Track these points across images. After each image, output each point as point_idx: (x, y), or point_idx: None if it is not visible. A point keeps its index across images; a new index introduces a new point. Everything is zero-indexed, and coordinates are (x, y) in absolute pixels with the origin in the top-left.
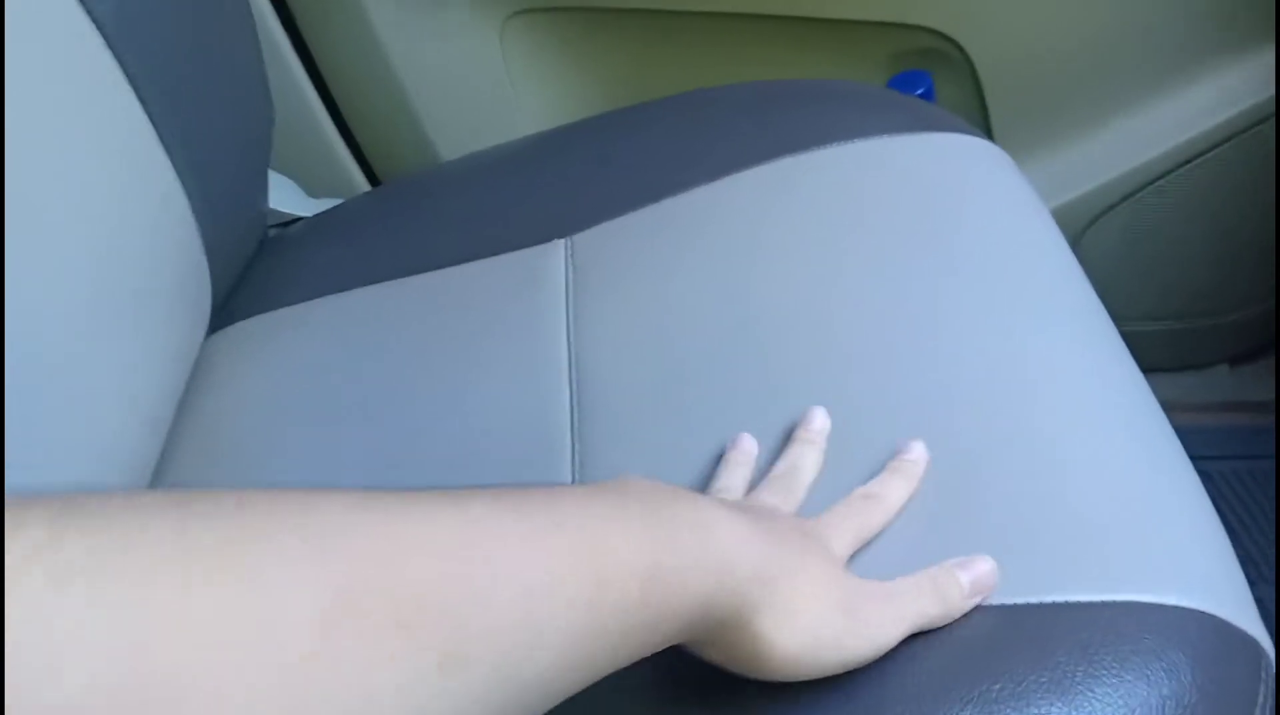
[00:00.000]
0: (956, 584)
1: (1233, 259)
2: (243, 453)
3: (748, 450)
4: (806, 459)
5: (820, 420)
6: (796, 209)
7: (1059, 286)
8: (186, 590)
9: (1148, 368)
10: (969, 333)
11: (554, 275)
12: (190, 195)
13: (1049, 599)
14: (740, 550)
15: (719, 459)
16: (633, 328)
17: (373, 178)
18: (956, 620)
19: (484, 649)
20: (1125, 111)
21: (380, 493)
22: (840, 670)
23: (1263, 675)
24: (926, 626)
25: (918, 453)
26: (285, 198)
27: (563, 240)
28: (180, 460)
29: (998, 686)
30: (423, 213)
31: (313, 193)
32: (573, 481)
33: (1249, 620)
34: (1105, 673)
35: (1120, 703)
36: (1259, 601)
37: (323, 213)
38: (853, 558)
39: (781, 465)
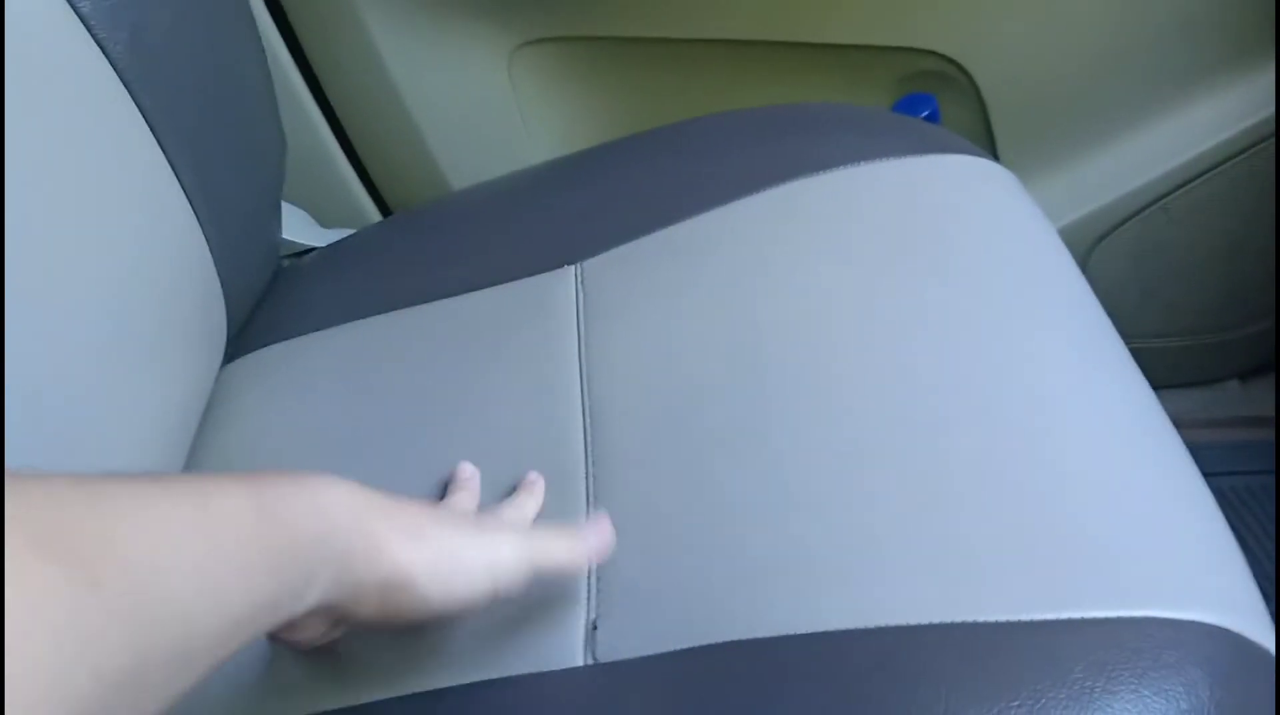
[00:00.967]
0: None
1: (1240, 275)
2: None
3: (468, 476)
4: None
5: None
6: (804, 233)
7: (1068, 306)
8: None
9: (1158, 384)
10: (981, 353)
11: (565, 301)
12: (206, 228)
13: (1065, 615)
14: (352, 493)
15: (730, 479)
16: (644, 351)
17: (384, 208)
18: (973, 636)
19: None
20: (1129, 131)
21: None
22: (473, 577)
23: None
24: (544, 555)
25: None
26: (298, 228)
27: (573, 266)
28: None
29: (1015, 704)
30: (434, 241)
31: (325, 223)
32: (587, 503)
33: (1266, 635)
34: (1123, 689)
35: None
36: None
37: (335, 243)
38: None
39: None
